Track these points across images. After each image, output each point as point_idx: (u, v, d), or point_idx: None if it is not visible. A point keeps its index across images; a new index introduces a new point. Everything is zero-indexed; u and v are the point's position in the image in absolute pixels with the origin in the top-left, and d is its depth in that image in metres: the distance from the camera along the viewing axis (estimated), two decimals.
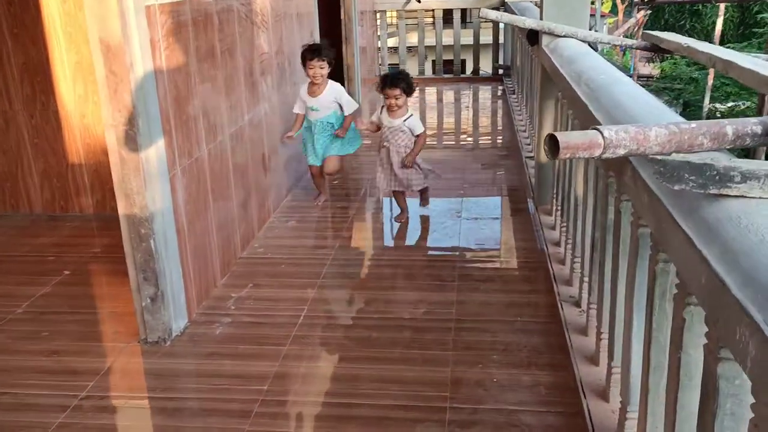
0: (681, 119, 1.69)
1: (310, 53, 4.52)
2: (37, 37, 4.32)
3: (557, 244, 3.62)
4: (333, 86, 4.61)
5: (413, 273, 3.74)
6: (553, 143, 1.42)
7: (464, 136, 7.12)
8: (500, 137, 6.87)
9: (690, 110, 14.93)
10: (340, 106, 4.62)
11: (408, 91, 4.31)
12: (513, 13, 7.80)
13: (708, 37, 11.51)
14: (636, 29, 11.01)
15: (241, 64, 3.95)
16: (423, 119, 7.93)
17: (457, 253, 3.92)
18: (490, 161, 5.85)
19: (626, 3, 13.69)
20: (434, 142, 6.54)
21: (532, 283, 3.51)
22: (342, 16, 7.85)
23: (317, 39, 5.85)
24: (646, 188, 1.55)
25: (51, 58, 4.36)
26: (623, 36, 12.31)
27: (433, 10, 10.20)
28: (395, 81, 4.25)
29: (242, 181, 3.93)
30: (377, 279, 3.70)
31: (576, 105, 2.59)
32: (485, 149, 6.49)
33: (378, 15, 9.80)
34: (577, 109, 2.57)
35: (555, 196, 3.89)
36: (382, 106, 4.39)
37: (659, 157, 1.24)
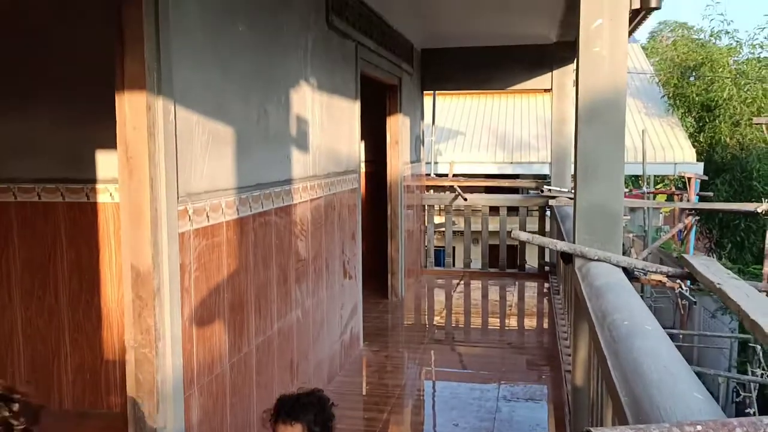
0: (702, 390, 1.59)
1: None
2: (91, 239, 4.57)
3: None
4: None
5: None
6: None
7: (504, 337, 6.98)
8: (542, 340, 6.70)
9: None
10: None
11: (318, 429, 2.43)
12: (555, 217, 7.92)
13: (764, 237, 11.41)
14: (685, 233, 11.02)
15: (275, 273, 4.05)
16: (467, 316, 7.86)
17: None
18: (526, 370, 5.65)
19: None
20: (478, 339, 6.41)
21: None
22: (388, 212, 8.13)
23: (359, 240, 6.02)
24: None
25: (101, 259, 4.57)
26: (677, 234, 12.28)
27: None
28: (295, 412, 2.42)
29: (265, 392, 3.87)
30: None
31: (599, 352, 2.50)
32: (525, 350, 6.30)
33: (426, 208, 10.13)
34: (600, 357, 2.47)
35: (590, 423, 3.66)
36: None
37: None
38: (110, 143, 3.92)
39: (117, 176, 2.75)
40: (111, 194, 4.23)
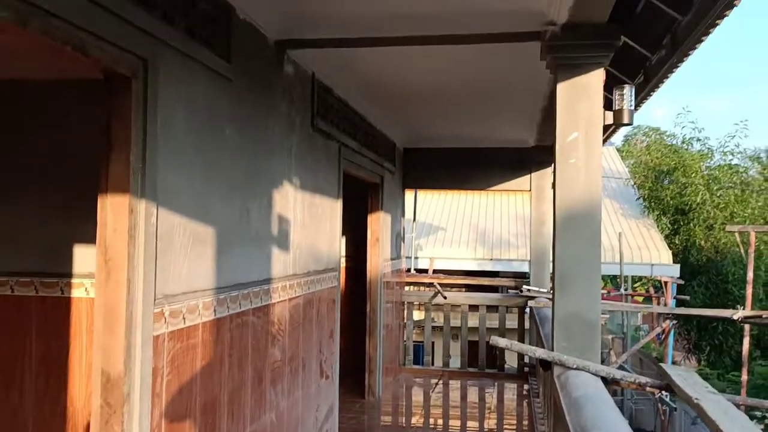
0: None
1: None
2: (62, 335, 4.46)
3: None
4: None
5: None
6: None
7: None
8: None
9: None
10: None
11: None
12: (534, 318, 7.92)
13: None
14: (663, 336, 11.05)
15: (250, 375, 3.97)
16: (445, 418, 7.68)
17: None
18: None
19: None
20: None
21: None
22: (367, 310, 8.07)
23: (337, 338, 5.95)
24: None
25: (71, 356, 4.45)
26: (656, 336, 12.27)
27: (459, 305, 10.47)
28: None
29: None
30: None
31: None
32: None
33: (406, 304, 10.07)
34: None
35: None
36: None
37: None
38: (89, 237, 3.91)
39: (94, 271, 2.73)
40: (86, 289, 4.18)
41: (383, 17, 4.13)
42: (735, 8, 3.53)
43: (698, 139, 20.70)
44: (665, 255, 15.93)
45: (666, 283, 12.80)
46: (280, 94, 4.46)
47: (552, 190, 4.17)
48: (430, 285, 10.67)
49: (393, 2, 3.94)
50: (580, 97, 3.98)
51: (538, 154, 9.23)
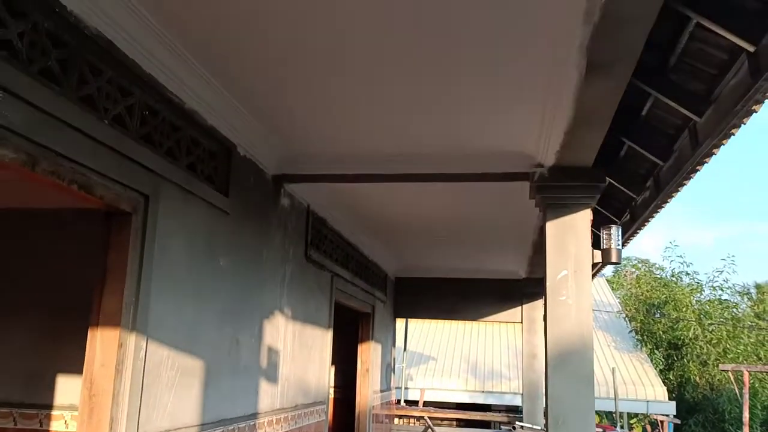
0: None
1: None
2: None
3: None
4: None
5: None
6: None
7: None
8: None
9: None
10: None
11: None
12: None
13: None
14: None
15: None
16: None
17: None
18: None
19: None
20: None
21: None
22: None
23: None
24: None
25: None
26: None
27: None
28: None
29: None
30: None
31: None
32: None
33: None
34: None
35: None
36: None
37: None
38: (73, 367, 3.84)
39: (75, 402, 2.67)
40: (66, 422, 4.04)
41: (377, 156, 4.31)
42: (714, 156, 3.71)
43: (687, 273, 20.91)
44: (660, 391, 15.58)
45: (662, 422, 12.45)
46: (276, 225, 4.55)
47: (543, 323, 4.17)
48: (420, 418, 10.34)
49: (387, 142, 4.13)
50: (569, 235, 4.08)
51: (529, 286, 9.26)
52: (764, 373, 17.03)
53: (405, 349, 14.01)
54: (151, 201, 2.79)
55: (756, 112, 2.97)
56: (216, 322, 3.62)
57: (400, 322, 11.65)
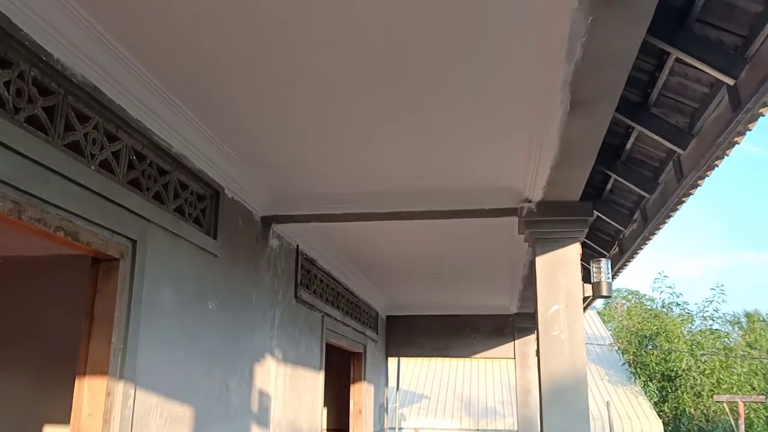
0: None
1: None
2: None
3: None
4: None
5: None
6: None
7: None
8: None
9: None
10: None
11: None
12: None
13: None
14: None
15: None
16: None
17: None
18: None
19: None
20: None
21: None
22: None
23: None
24: None
25: None
26: None
27: None
28: None
29: None
30: None
31: None
32: None
33: None
34: None
35: None
36: None
37: None
38: (59, 417, 3.76)
39: None
40: None
41: (366, 195, 4.31)
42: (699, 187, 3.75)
43: (677, 304, 20.92)
44: (655, 424, 15.48)
45: None
46: (265, 266, 4.52)
47: (537, 358, 4.15)
48: None
49: (375, 181, 4.14)
50: (559, 270, 4.08)
51: (521, 321, 9.23)
52: (759, 403, 16.95)
53: (398, 388, 13.85)
54: (139, 246, 2.77)
55: (738, 143, 3.02)
56: (205, 366, 3.57)
57: (392, 361, 11.53)
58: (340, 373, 8.06)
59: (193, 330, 3.41)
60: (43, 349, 4.10)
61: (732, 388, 17.35)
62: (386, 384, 9.83)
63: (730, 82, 2.63)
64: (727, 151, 3.10)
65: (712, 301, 20.94)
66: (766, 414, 17.51)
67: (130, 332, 2.72)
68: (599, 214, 4.79)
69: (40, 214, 2.14)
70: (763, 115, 2.71)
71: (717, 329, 20.11)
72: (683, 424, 17.51)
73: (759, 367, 19.07)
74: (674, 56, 2.86)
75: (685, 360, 17.86)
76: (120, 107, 2.69)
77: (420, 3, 2.28)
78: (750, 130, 2.85)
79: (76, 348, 2.64)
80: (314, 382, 5.70)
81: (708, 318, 20.22)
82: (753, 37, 2.46)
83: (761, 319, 25.49)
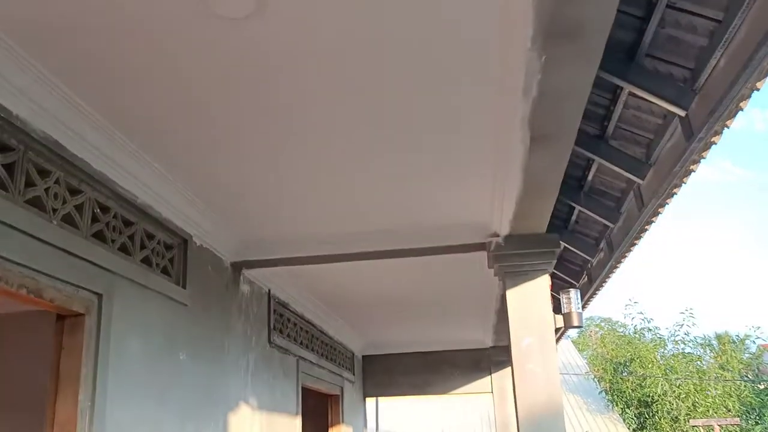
0: None
1: None
2: None
3: None
4: None
5: None
6: None
7: None
8: None
9: None
10: None
11: None
12: None
13: None
14: None
15: None
16: None
17: None
18: None
19: None
20: None
21: None
22: None
23: None
24: None
25: None
26: None
27: None
28: None
29: None
30: None
31: None
32: None
33: None
34: None
35: None
36: None
37: None
38: None
39: None
40: None
41: (335, 236, 4.32)
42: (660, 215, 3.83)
43: (649, 329, 21.09)
44: None
45: None
46: (237, 313, 4.47)
47: (513, 392, 4.15)
48: None
49: (344, 222, 4.15)
50: (530, 302, 4.11)
51: (497, 354, 9.20)
52: (734, 425, 17.07)
53: (377, 428, 13.64)
54: (105, 300, 2.73)
55: (694, 171, 3.11)
56: (178, 419, 3.49)
57: (370, 401, 11.38)
58: (318, 416, 7.92)
59: (163, 383, 3.35)
60: (9, 412, 3.97)
61: (708, 410, 17.43)
62: (365, 425, 9.68)
63: (682, 113, 2.72)
64: (684, 179, 3.18)
65: (682, 325, 21.18)
66: None
67: (98, 389, 2.66)
68: (566, 245, 4.85)
69: (1, 272, 2.10)
70: (716, 144, 2.80)
71: (689, 352, 20.29)
72: None
73: (733, 389, 19.25)
74: (627, 90, 2.96)
75: (660, 385, 17.94)
76: (82, 160, 2.67)
77: (383, 59, 2.33)
78: (704, 158, 2.94)
79: (44, 407, 2.57)
80: (291, 427, 5.60)
81: (680, 342, 20.43)
82: (700, 69, 2.55)
83: (731, 340, 25.81)
